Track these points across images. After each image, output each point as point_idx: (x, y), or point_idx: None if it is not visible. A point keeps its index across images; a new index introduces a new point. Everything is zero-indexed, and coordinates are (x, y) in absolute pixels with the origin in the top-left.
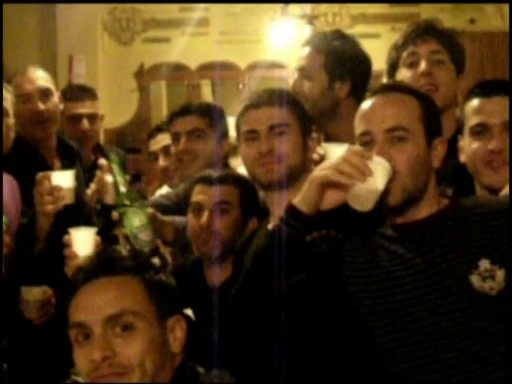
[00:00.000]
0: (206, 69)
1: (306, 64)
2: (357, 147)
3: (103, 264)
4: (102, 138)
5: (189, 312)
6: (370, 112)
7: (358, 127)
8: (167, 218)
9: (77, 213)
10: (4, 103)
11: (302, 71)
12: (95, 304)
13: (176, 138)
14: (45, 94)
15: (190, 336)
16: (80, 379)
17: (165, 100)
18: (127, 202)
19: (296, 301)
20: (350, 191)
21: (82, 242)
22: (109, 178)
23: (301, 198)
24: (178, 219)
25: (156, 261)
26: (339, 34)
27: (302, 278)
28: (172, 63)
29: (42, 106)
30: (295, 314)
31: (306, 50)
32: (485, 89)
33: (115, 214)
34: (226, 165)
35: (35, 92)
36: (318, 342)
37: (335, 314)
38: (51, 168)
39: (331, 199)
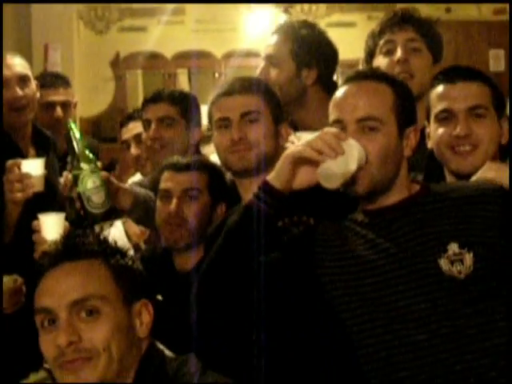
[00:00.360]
0: (182, 58)
1: (274, 51)
2: (333, 128)
3: (68, 249)
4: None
5: (159, 297)
6: (342, 100)
7: (331, 114)
8: (125, 185)
9: (46, 201)
10: None
11: (270, 59)
12: (60, 289)
13: (147, 125)
14: (23, 80)
15: (160, 321)
16: None
17: (141, 89)
18: (82, 165)
19: (267, 280)
20: (320, 167)
21: (51, 227)
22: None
23: (274, 174)
24: (137, 189)
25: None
26: (307, 24)
27: (273, 259)
28: (148, 52)
29: (20, 92)
30: (266, 291)
31: (274, 38)
32: (449, 75)
33: (69, 176)
34: (197, 153)
35: (13, 78)
36: (290, 323)
37: (306, 298)
38: (25, 156)
39: (303, 177)
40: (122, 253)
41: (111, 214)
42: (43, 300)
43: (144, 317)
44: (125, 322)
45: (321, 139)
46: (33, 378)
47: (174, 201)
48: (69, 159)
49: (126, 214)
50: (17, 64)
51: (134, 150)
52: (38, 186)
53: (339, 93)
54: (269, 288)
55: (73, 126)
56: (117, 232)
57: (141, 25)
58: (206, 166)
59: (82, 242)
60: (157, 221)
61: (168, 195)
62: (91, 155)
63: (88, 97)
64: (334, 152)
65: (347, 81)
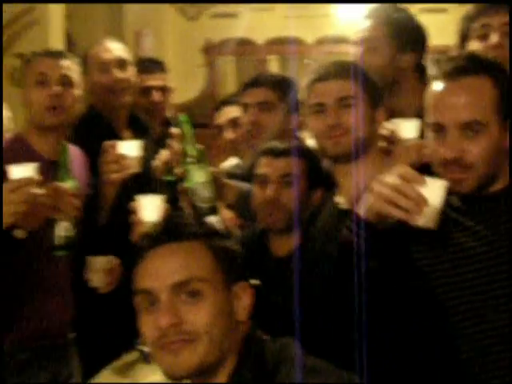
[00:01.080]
0: (274, 44)
1: (370, 35)
2: (407, 170)
3: (170, 230)
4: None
5: (254, 282)
6: (442, 101)
7: (430, 115)
8: (229, 181)
9: (142, 182)
10: (70, 73)
11: (366, 42)
12: (162, 270)
13: (246, 109)
14: (122, 63)
15: (256, 305)
16: (145, 348)
17: (232, 75)
18: (191, 160)
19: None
20: (409, 220)
21: (149, 208)
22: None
23: (364, 213)
24: (241, 184)
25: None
26: (399, 8)
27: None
28: (239, 38)
29: (119, 75)
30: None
31: (369, 22)
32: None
33: (179, 170)
34: (295, 139)
35: (112, 61)
36: (391, 312)
37: (406, 286)
38: (121, 139)
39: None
40: (222, 235)
41: (216, 209)
42: (144, 281)
43: (244, 299)
44: (225, 304)
45: (401, 192)
46: (125, 358)
47: (271, 186)
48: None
49: (230, 208)
50: (116, 48)
51: (229, 135)
52: (134, 168)
53: (438, 90)
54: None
55: (184, 119)
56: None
57: (232, 11)
58: (303, 152)
59: (183, 223)
60: (253, 205)
61: (265, 180)
62: (200, 150)
63: (179, 83)
64: (418, 207)
65: (446, 77)
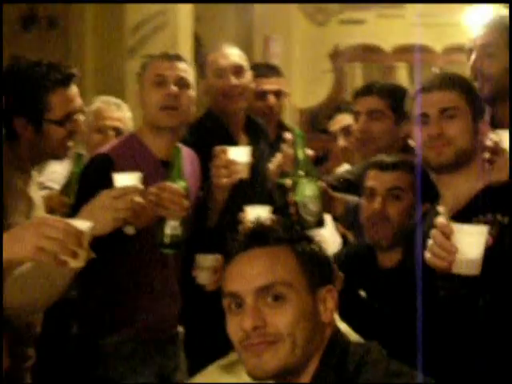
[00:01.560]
0: (401, 51)
1: (489, 41)
2: (441, 220)
3: (256, 234)
4: (287, 116)
5: (362, 293)
6: None
7: None
8: (338, 195)
9: (251, 188)
10: (185, 75)
11: (485, 48)
12: (247, 274)
13: (357, 117)
14: (238, 70)
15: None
16: None
17: (359, 82)
18: (302, 172)
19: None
20: (452, 268)
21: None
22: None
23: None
24: (349, 197)
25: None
26: None
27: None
28: (367, 45)
29: (235, 81)
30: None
31: (487, 28)
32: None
33: (288, 182)
34: (404, 147)
35: (229, 67)
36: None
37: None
38: (237, 143)
39: None
40: (308, 239)
41: (323, 222)
42: (231, 284)
43: (328, 303)
44: (309, 308)
45: (436, 242)
46: (232, 356)
47: (379, 199)
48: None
49: (338, 221)
50: (233, 54)
51: (341, 142)
52: (244, 173)
53: None
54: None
55: (297, 131)
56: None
57: (360, 17)
58: (411, 166)
59: (270, 228)
60: (361, 218)
61: (373, 193)
62: (311, 164)
63: (306, 88)
64: (451, 255)
65: None
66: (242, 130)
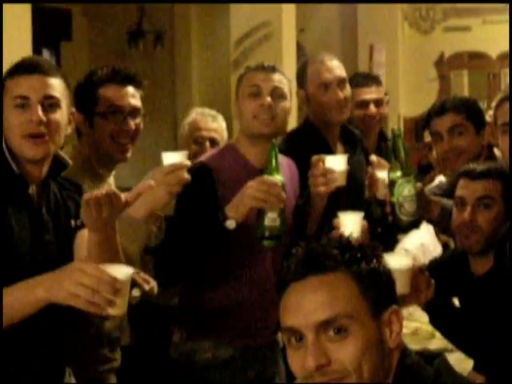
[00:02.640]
0: (507, 57)
1: None
2: None
3: (311, 261)
4: (391, 125)
5: (455, 301)
6: None
7: None
8: (434, 198)
9: (348, 196)
10: (281, 86)
11: None
12: (306, 307)
13: (437, 137)
14: (342, 82)
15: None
16: None
17: (465, 89)
18: (400, 172)
19: None
20: None
21: (350, 225)
22: (380, 175)
23: None
24: (445, 200)
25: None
26: None
27: None
28: (472, 52)
29: (340, 95)
30: None
31: None
32: None
33: (377, 177)
34: (490, 154)
35: (335, 81)
36: None
37: None
38: (334, 152)
39: None
40: (366, 258)
41: (418, 224)
42: (289, 319)
43: (394, 325)
44: (374, 336)
45: None
46: None
47: (468, 209)
48: (391, 167)
49: (433, 224)
50: (337, 67)
51: (435, 153)
52: (341, 181)
53: None
54: None
55: (397, 132)
56: (425, 230)
57: (465, 24)
58: (501, 174)
59: (325, 253)
60: (452, 226)
61: (463, 203)
62: (410, 164)
63: (412, 97)
64: None
65: None
66: (339, 140)
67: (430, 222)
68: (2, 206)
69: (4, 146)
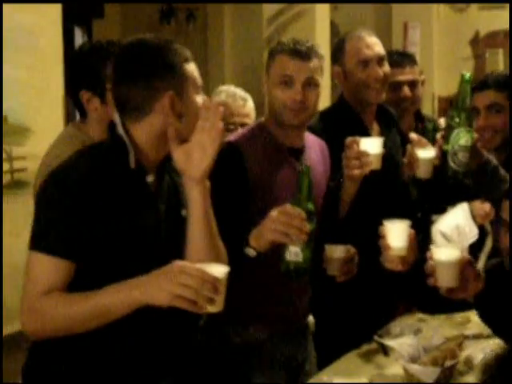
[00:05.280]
0: None
1: None
2: None
3: None
4: (426, 105)
5: None
6: None
7: None
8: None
9: (384, 180)
10: (315, 75)
11: None
12: None
13: (476, 113)
14: (381, 60)
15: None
16: (385, 341)
17: (501, 68)
18: (461, 120)
19: None
20: None
21: (396, 234)
22: (420, 153)
23: None
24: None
25: None
26: None
27: None
28: (508, 30)
29: (380, 72)
30: None
31: None
32: None
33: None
34: None
35: (375, 58)
36: None
37: None
38: (370, 132)
39: None
40: None
41: (465, 179)
42: None
43: None
44: None
45: None
46: (365, 347)
47: None
48: (452, 113)
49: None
50: (376, 44)
51: None
52: (376, 164)
53: None
54: None
55: (467, 76)
56: (460, 212)
57: (501, 3)
58: None
59: None
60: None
61: None
62: (470, 113)
63: (446, 75)
64: None
65: None
66: (374, 120)
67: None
68: (122, 199)
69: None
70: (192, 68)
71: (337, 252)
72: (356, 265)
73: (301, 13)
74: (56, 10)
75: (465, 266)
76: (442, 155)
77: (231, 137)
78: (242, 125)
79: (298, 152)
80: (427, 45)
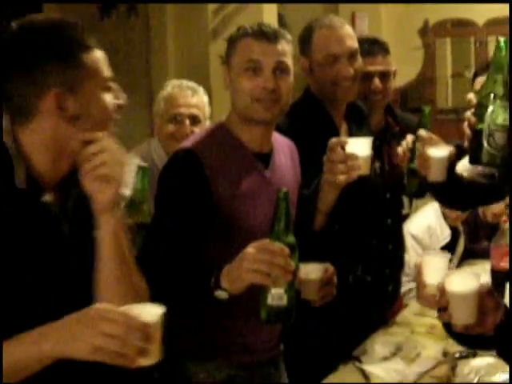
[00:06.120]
0: (494, 24)
1: None
2: None
3: None
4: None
5: None
6: None
7: None
8: None
9: (369, 185)
10: (286, 59)
11: None
12: None
13: None
14: (354, 55)
15: None
16: (368, 367)
17: (449, 58)
18: (498, 93)
19: None
20: None
21: (434, 270)
22: (434, 153)
23: None
24: None
25: None
26: None
27: None
28: (458, 19)
29: (350, 70)
30: None
31: None
32: None
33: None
34: None
35: (345, 54)
36: None
37: None
38: (337, 130)
39: None
40: None
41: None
42: None
43: None
44: None
45: None
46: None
47: None
48: (486, 86)
49: None
50: (348, 36)
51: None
52: (364, 169)
53: None
54: None
55: (504, 44)
56: (431, 211)
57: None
58: None
59: None
60: None
61: None
62: (507, 88)
63: (396, 66)
64: None
65: None
66: (343, 117)
67: None
68: (14, 228)
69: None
70: (94, 58)
71: (313, 273)
72: (335, 286)
73: (246, 4)
74: None
75: (483, 297)
76: (475, 136)
77: (187, 142)
78: (191, 116)
79: (266, 157)
80: (376, 35)
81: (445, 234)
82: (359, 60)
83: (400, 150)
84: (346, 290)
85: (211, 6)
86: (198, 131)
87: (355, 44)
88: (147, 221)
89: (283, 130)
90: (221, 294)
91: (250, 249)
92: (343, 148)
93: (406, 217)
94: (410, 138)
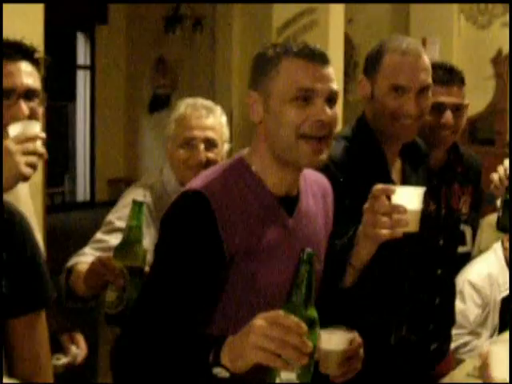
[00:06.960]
0: None
1: None
2: None
3: None
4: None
5: None
6: None
7: None
8: None
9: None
10: (335, 88)
11: None
12: None
13: None
14: (424, 91)
15: None
16: None
17: None
18: None
19: None
20: None
21: (504, 361)
22: None
23: None
24: None
25: None
26: None
27: None
28: None
29: (416, 108)
30: None
31: None
32: None
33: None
34: None
35: (415, 88)
36: None
37: None
38: (388, 169)
39: None
40: None
41: None
42: None
43: None
44: None
45: None
46: None
47: None
48: None
49: None
50: (424, 69)
51: None
52: (413, 226)
53: None
54: None
55: None
56: (494, 259)
57: (501, 3)
58: None
59: None
60: None
61: None
62: None
63: (467, 95)
64: None
65: None
66: (398, 153)
67: None
68: None
69: None
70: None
71: (335, 343)
72: (361, 360)
73: (313, 23)
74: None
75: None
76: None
77: (197, 181)
78: (206, 140)
79: (292, 201)
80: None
81: (507, 284)
82: (429, 97)
83: (495, 176)
84: (386, 353)
85: (276, 24)
86: (213, 156)
87: (429, 79)
88: (140, 265)
89: (340, 169)
90: (220, 373)
91: (259, 320)
92: (389, 197)
93: (466, 255)
94: (507, 163)
